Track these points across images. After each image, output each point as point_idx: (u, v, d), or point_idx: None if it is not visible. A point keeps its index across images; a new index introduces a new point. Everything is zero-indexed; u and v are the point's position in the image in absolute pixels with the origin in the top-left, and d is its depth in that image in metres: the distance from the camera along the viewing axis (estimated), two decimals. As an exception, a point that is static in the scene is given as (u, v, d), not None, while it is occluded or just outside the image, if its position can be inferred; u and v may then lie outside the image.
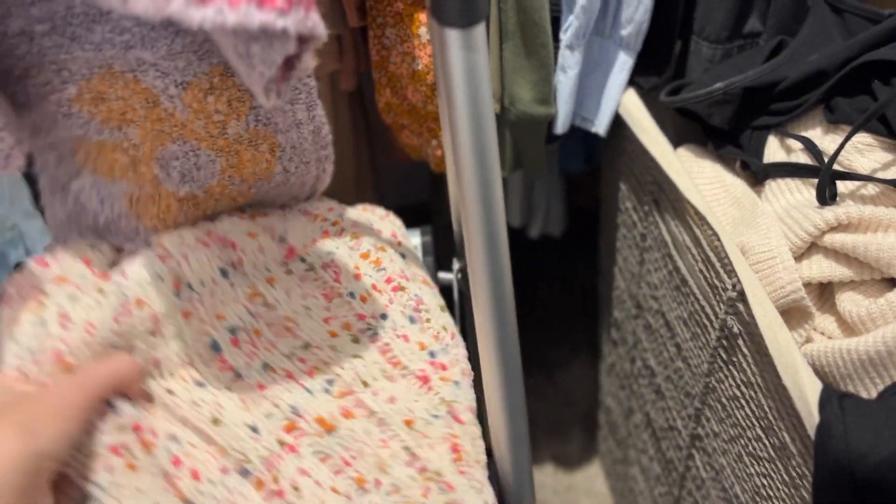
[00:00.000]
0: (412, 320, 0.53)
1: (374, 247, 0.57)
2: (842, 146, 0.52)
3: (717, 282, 0.56)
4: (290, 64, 0.39)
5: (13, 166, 0.44)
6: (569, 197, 0.96)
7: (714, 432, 0.62)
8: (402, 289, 0.54)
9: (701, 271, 0.59)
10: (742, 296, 0.52)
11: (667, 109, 0.67)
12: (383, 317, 0.52)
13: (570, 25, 0.64)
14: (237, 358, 0.49)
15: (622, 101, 0.69)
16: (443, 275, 0.72)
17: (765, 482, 0.55)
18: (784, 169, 0.57)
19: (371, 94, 0.76)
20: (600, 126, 0.71)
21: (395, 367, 0.50)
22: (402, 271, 0.55)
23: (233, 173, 0.54)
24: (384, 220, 0.63)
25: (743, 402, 0.56)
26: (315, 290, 0.53)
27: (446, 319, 0.54)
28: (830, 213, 0.51)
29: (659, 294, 0.71)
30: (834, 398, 0.44)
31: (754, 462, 0.56)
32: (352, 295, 0.53)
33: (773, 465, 0.53)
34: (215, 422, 0.46)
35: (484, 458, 0.48)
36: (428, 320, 0.53)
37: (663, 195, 0.65)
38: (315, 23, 0.35)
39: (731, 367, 0.57)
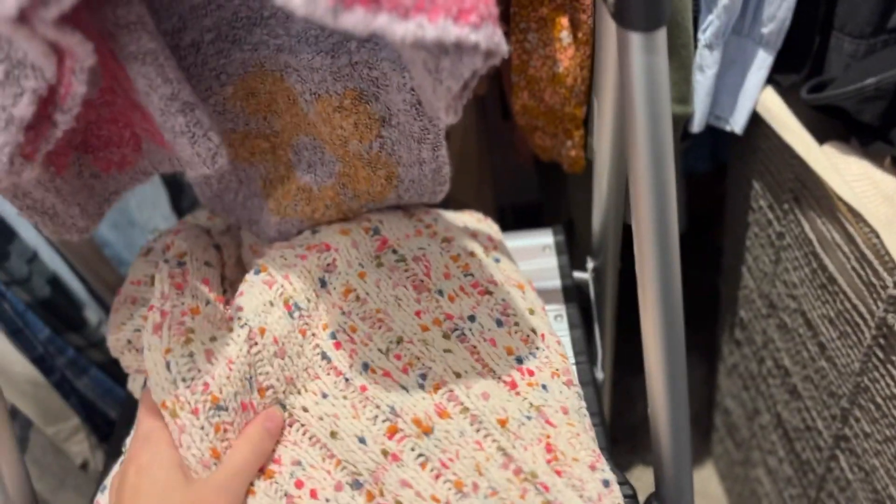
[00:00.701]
0: (499, 323, 0.54)
1: (465, 251, 0.58)
2: None
3: (874, 279, 0.55)
4: (466, 82, 0.41)
5: (218, 164, 0.48)
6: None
7: (865, 433, 0.62)
8: (488, 293, 0.55)
9: (854, 269, 0.58)
10: (904, 294, 0.51)
11: (799, 107, 0.66)
12: (471, 318, 0.54)
13: (710, 25, 0.65)
14: (342, 360, 0.52)
15: (760, 98, 0.69)
16: (578, 274, 0.73)
17: (925, 484, 0.54)
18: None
19: (489, 97, 0.78)
20: (736, 124, 0.71)
21: (483, 369, 0.51)
22: (490, 276, 0.57)
23: (346, 182, 0.57)
24: (480, 224, 0.65)
25: (901, 402, 0.55)
26: (405, 281, 0.55)
27: (536, 322, 0.55)
28: None
29: (798, 293, 0.70)
30: None
31: (913, 463, 0.55)
32: (440, 293, 0.55)
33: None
34: (333, 435, 0.49)
35: (588, 453, 0.48)
36: (516, 324, 0.54)
37: (806, 192, 0.65)
38: (500, 38, 0.37)
39: (888, 366, 0.56)
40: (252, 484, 0.47)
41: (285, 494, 0.48)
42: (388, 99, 0.52)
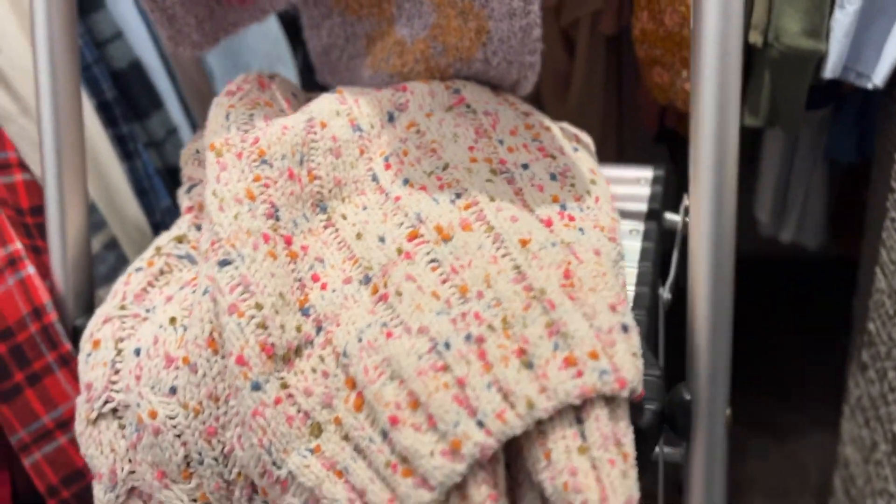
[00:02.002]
0: (553, 178, 0.51)
1: (541, 124, 0.57)
2: None
3: None
4: None
5: None
6: (833, 205, 0.86)
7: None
8: (551, 156, 0.53)
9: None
10: None
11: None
12: (524, 167, 0.52)
13: (857, -49, 0.60)
14: (387, 179, 0.51)
15: (910, 49, 0.62)
16: (669, 216, 0.68)
17: None
18: None
19: (630, 52, 0.76)
20: (878, 77, 0.64)
21: (522, 204, 0.49)
22: (560, 147, 0.55)
23: (438, 34, 0.57)
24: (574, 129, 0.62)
25: None
26: (468, 125, 0.54)
27: (594, 188, 0.52)
28: None
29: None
30: None
31: None
32: (500, 142, 0.53)
33: None
34: (358, 236, 0.49)
35: (610, 293, 0.43)
36: (572, 184, 0.52)
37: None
38: None
39: None
40: (276, 256, 0.47)
41: (299, 280, 0.47)
42: (486, -60, 0.53)
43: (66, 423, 0.58)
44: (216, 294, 0.45)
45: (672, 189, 0.70)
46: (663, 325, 0.58)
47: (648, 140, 0.87)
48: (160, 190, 0.86)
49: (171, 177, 0.87)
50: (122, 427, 0.50)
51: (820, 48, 0.62)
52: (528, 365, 0.41)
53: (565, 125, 0.63)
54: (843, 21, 0.62)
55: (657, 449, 0.52)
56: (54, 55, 0.54)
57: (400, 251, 0.47)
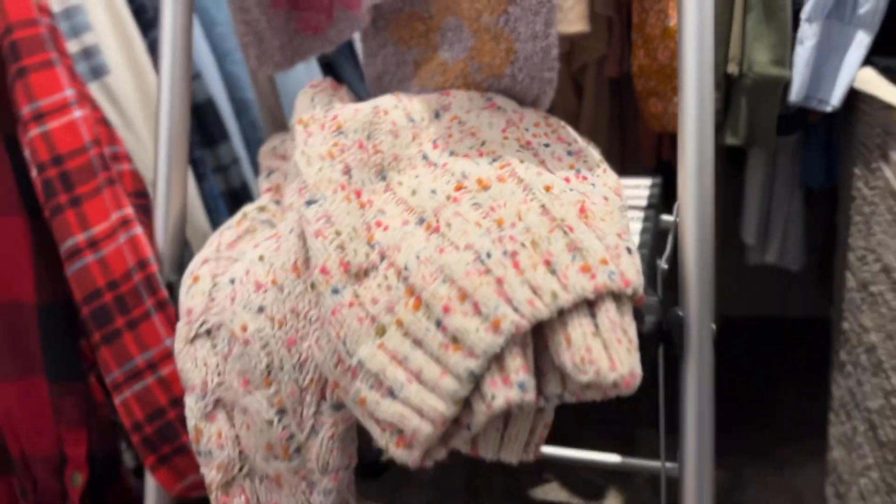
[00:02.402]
0: (569, 154, 0.64)
1: (561, 125, 0.70)
2: None
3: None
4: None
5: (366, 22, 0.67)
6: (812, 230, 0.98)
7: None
8: (568, 143, 0.66)
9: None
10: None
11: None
12: (546, 146, 0.64)
13: (810, 0, 0.75)
14: (435, 156, 0.64)
15: (860, 76, 0.76)
16: (665, 217, 0.80)
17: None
18: None
19: (631, 95, 0.91)
20: (835, 100, 0.78)
21: (544, 167, 0.61)
22: (575, 139, 0.67)
23: (475, 55, 0.72)
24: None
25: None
26: (500, 117, 0.67)
27: (603, 165, 0.64)
28: None
29: (884, 253, 0.71)
30: None
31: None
32: (527, 129, 0.66)
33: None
34: (413, 193, 0.60)
35: (616, 226, 0.55)
36: (585, 160, 0.64)
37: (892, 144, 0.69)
38: None
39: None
40: (350, 201, 0.59)
41: (366, 223, 0.59)
42: (516, -21, 0.68)
43: (155, 364, 0.68)
44: (304, 224, 0.57)
45: (668, 197, 0.82)
46: (661, 289, 0.69)
47: (648, 173, 1.00)
48: (223, 211, 0.99)
49: (233, 199, 1.00)
50: (214, 346, 0.61)
51: (785, 75, 0.77)
52: (552, 271, 0.52)
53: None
54: (802, 54, 0.77)
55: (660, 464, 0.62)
56: (174, 82, 0.69)
57: (448, 198, 0.59)
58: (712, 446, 0.56)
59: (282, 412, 0.58)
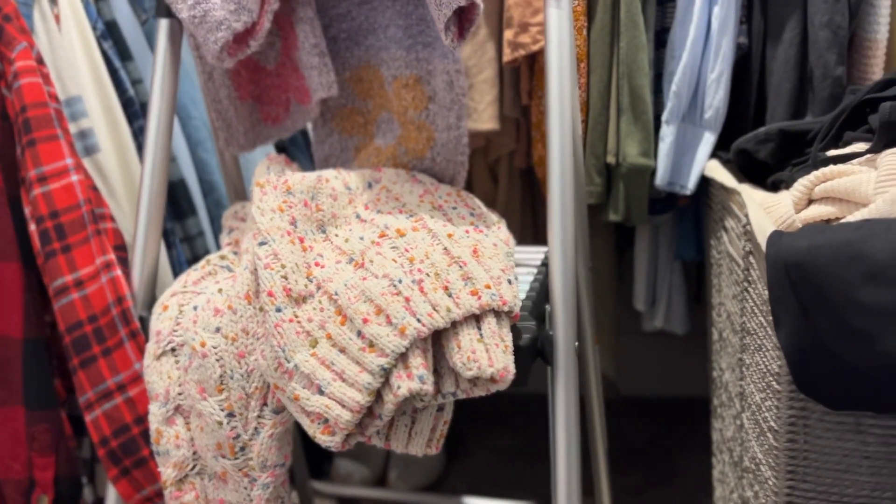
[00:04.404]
0: (472, 214, 0.81)
1: (469, 196, 0.87)
2: (825, 134, 0.75)
3: (745, 242, 0.77)
4: (462, 27, 0.75)
5: (333, 91, 0.84)
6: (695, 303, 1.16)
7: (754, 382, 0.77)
8: (472, 208, 0.83)
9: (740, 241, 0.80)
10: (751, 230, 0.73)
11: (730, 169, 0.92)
12: (453, 208, 0.81)
13: (666, 106, 0.96)
14: (364, 214, 0.80)
15: (708, 166, 0.96)
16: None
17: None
18: (800, 167, 0.79)
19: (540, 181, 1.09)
20: (690, 186, 0.97)
21: (449, 221, 0.78)
22: (479, 207, 0.84)
23: (402, 142, 0.90)
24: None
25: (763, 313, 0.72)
26: (419, 187, 0.85)
27: (499, 224, 0.81)
28: (814, 173, 0.73)
29: (725, 296, 0.88)
30: (777, 232, 0.63)
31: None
32: (440, 196, 0.83)
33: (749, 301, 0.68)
34: (346, 241, 0.76)
35: (502, 263, 0.71)
36: (484, 220, 0.81)
37: (730, 219, 0.88)
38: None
39: (749, 294, 0.74)
40: (294, 244, 0.74)
41: (307, 263, 0.74)
42: (434, 83, 0.87)
43: (124, 386, 0.80)
44: (256, 260, 0.72)
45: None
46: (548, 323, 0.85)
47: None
48: (186, 275, 1.13)
49: (196, 265, 1.14)
50: (177, 361, 0.74)
51: (651, 164, 0.96)
52: (449, 294, 0.67)
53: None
54: (663, 149, 0.96)
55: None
56: (156, 156, 0.85)
57: (373, 242, 0.74)
58: (578, 443, 0.71)
59: (230, 415, 0.71)
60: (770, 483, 0.69)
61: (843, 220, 0.68)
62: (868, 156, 0.71)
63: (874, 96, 0.77)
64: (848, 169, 0.71)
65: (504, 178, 1.12)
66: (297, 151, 1.30)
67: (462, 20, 0.76)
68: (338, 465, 1.41)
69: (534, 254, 0.97)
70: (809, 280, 0.58)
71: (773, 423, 0.68)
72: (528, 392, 1.01)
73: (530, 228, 1.15)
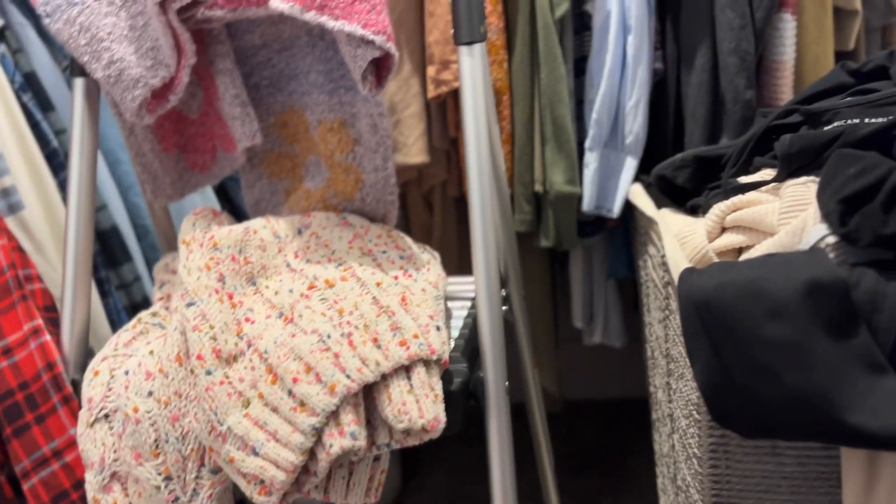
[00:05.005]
0: (401, 258, 0.82)
1: (401, 237, 0.87)
2: (735, 161, 0.78)
3: (663, 273, 0.79)
4: (379, 76, 0.76)
5: (257, 140, 0.85)
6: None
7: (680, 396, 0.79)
8: (402, 250, 0.84)
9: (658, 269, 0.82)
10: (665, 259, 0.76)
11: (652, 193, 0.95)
12: (383, 252, 0.82)
13: (588, 134, 0.98)
14: (294, 263, 0.80)
15: (632, 190, 0.99)
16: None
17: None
18: (714, 192, 0.82)
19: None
20: (615, 210, 1.00)
21: (379, 268, 0.79)
22: (410, 247, 0.85)
23: (331, 184, 0.90)
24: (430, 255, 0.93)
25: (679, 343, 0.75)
26: (349, 231, 0.85)
27: (429, 265, 0.82)
28: (725, 202, 0.75)
29: (654, 317, 0.91)
30: (688, 269, 0.65)
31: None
32: (370, 240, 0.84)
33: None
34: (276, 293, 0.76)
35: (430, 310, 0.72)
36: (414, 263, 0.82)
37: (652, 244, 0.91)
38: (390, 46, 0.73)
39: (670, 322, 0.77)
40: (223, 302, 0.74)
41: (237, 319, 0.74)
42: (359, 125, 0.88)
43: (60, 452, 0.79)
44: (184, 321, 0.72)
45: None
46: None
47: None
48: (125, 322, 1.12)
49: (135, 311, 1.13)
50: (111, 427, 0.74)
51: (577, 191, 0.98)
52: (378, 346, 0.68)
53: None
54: (588, 175, 0.99)
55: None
56: (80, 214, 0.84)
57: (302, 295, 0.75)
58: (513, 479, 0.73)
59: (168, 479, 0.71)
60: (699, 506, 0.72)
61: (750, 252, 0.70)
62: (773, 185, 0.74)
63: (779, 123, 0.80)
64: (756, 198, 0.74)
65: (439, 208, 1.13)
66: (237, 186, 1.29)
67: (379, 69, 0.77)
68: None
69: (471, 284, 0.99)
70: (718, 318, 0.61)
71: (696, 450, 0.70)
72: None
73: (468, 256, 1.17)
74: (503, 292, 1.00)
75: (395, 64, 0.75)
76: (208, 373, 0.69)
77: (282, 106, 0.91)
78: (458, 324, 0.86)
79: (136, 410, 0.72)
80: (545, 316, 1.14)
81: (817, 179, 0.68)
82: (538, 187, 1.00)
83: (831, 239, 0.62)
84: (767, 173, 0.78)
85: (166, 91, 0.81)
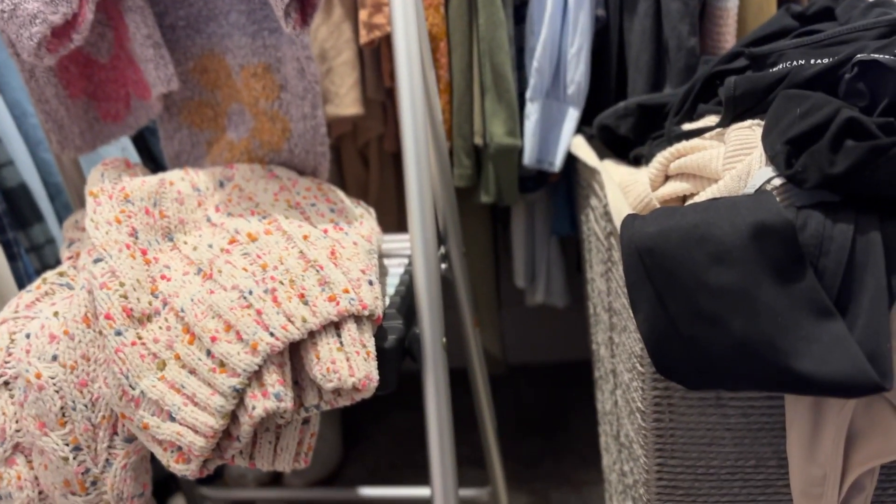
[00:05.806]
0: (332, 210, 0.77)
1: (332, 190, 0.83)
2: (679, 108, 0.75)
3: (606, 223, 0.76)
4: (304, 13, 0.71)
5: (173, 86, 0.78)
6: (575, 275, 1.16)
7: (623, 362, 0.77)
8: (334, 203, 0.79)
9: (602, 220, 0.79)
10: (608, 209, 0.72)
11: (594, 145, 0.92)
12: (312, 205, 0.77)
13: (529, 83, 0.94)
14: (215, 217, 0.75)
15: (574, 142, 0.95)
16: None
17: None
18: (658, 141, 0.79)
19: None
20: (557, 163, 0.96)
21: (306, 221, 0.74)
22: (342, 199, 0.80)
23: (256, 134, 0.85)
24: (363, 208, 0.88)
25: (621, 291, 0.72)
26: (275, 183, 0.80)
27: (361, 218, 0.77)
28: (668, 149, 0.73)
29: (595, 271, 0.89)
30: (631, 216, 0.62)
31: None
32: (297, 193, 0.79)
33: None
34: (194, 249, 0.71)
35: (361, 264, 0.68)
36: (345, 216, 0.77)
37: (594, 197, 0.88)
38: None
39: (611, 275, 0.74)
40: (135, 258, 0.68)
41: (151, 277, 0.69)
42: (285, 70, 0.82)
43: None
44: (91, 279, 0.66)
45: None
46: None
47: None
48: (37, 287, 1.04)
49: (48, 275, 1.05)
50: (11, 395, 0.67)
51: (518, 143, 0.94)
52: (305, 302, 0.64)
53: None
54: (529, 127, 0.95)
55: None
56: None
57: (222, 250, 0.70)
58: (451, 435, 0.69)
59: (77, 449, 0.65)
60: (642, 461, 0.70)
61: (695, 199, 0.68)
62: (718, 130, 0.72)
63: (723, 68, 0.78)
64: (700, 144, 0.71)
65: (375, 163, 1.08)
66: (157, 141, 1.21)
67: (304, 4, 0.71)
68: (230, 466, 1.36)
69: (403, 242, 0.95)
70: (661, 265, 0.58)
71: (639, 404, 0.68)
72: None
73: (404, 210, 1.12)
74: (442, 250, 0.96)
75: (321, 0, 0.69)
76: (118, 333, 0.63)
77: (200, 49, 0.84)
78: (394, 281, 0.81)
79: (38, 376, 0.65)
80: (487, 276, 1.10)
81: (762, 123, 0.66)
82: (478, 140, 0.96)
83: (777, 181, 0.59)
84: (712, 119, 0.76)
85: (69, 29, 0.74)
